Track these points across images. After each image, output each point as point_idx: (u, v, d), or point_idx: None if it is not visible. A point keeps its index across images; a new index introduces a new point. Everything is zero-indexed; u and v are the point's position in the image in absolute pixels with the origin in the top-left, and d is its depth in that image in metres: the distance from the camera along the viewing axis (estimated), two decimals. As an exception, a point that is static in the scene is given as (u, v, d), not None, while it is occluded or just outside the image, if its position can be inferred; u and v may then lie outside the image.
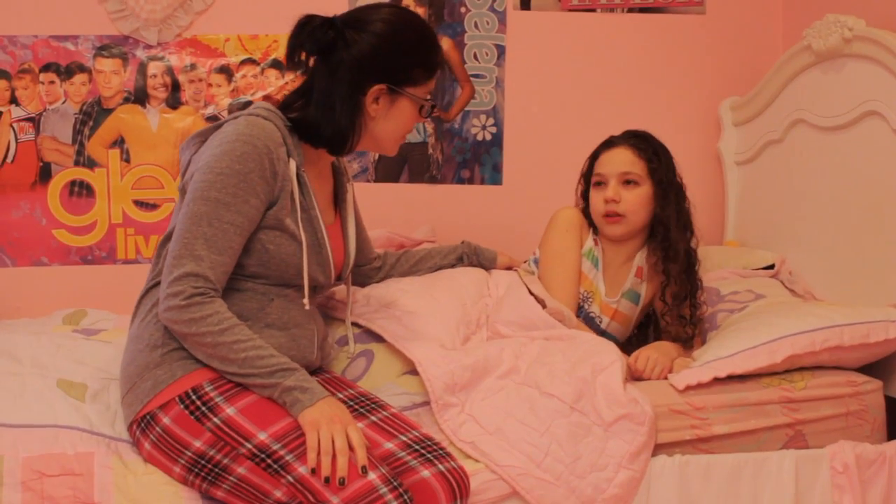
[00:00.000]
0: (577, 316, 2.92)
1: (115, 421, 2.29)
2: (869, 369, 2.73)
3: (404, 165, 3.72)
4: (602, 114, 3.77)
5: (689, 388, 2.54)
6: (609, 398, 2.38)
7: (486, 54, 3.75)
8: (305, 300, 2.30)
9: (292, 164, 2.24)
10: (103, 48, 3.55)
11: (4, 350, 2.55)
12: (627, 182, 2.91)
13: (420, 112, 2.37)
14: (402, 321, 2.56)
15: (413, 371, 2.45)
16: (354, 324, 2.62)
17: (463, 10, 3.73)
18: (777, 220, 3.47)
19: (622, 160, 2.92)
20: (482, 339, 2.68)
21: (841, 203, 3.11)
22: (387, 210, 3.66)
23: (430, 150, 3.74)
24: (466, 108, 3.74)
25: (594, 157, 3.01)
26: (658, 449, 2.43)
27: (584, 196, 3.04)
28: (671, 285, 2.89)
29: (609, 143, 2.98)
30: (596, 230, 3.00)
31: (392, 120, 2.34)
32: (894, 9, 3.14)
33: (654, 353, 2.69)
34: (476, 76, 3.74)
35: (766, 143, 3.53)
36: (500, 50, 3.75)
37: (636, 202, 2.90)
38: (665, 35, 3.86)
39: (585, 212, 3.02)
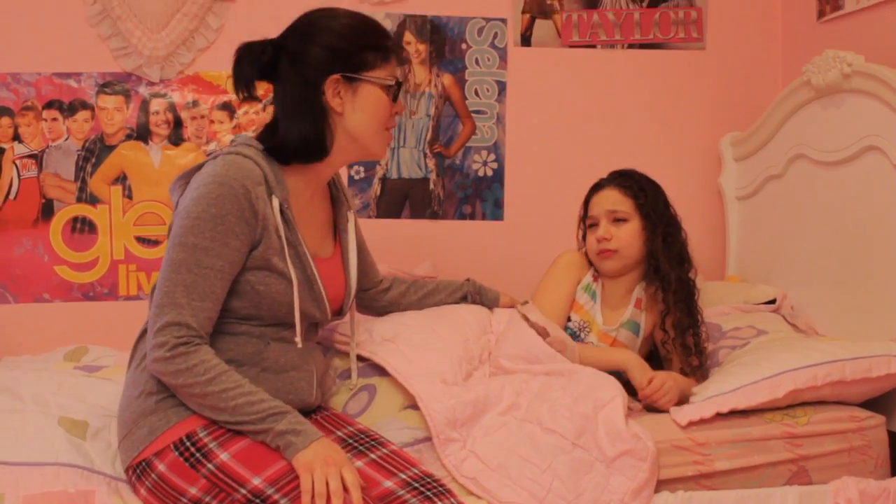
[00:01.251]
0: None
1: (116, 460, 2.28)
2: (872, 405, 2.72)
3: (405, 201, 3.73)
4: (603, 150, 3.78)
5: (691, 423, 2.53)
6: (611, 433, 2.37)
7: (487, 90, 3.76)
8: (298, 339, 2.27)
9: (275, 202, 2.22)
10: (106, 85, 3.57)
11: (6, 387, 2.55)
12: (617, 220, 2.97)
13: (388, 95, 2.33)
14: (405, 355, 2.56)
15: (415, 405, 2.45)
16: (358, 357, 2.61)
17: (464, 46, 3.75)
18: (778, 255, 3.47)
19: (609, 199, 3.00)
20: (484, 374, 2.68)
21: (842, 238, 3.11)
22: (388, 246, 3.66)
23: (432, 186, 3.74)
24: (468, 144, 3.75)
25: (586, 201, 3.09)
26: (660, 485, 2.42)
27: (584, 239, 3.10)
28: (671, 314, 2.91)
29: (598, 186, 3.07)
30: (597, 269, 3.05)
31: (361, 111, 2.30)
32: (893, 44, 3.16)
33: (669, 380, 2.70)
34: (477, 112, 3.76)
35: (767, 177, 3.54)
36: (501, 86, 3.77)
37: (626, 237, 2.96)
38: (665, 71, 3.88)
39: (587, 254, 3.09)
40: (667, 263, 2.92)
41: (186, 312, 2.09)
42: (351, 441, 2.29)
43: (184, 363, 2.07)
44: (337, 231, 2.51)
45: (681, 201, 3.03)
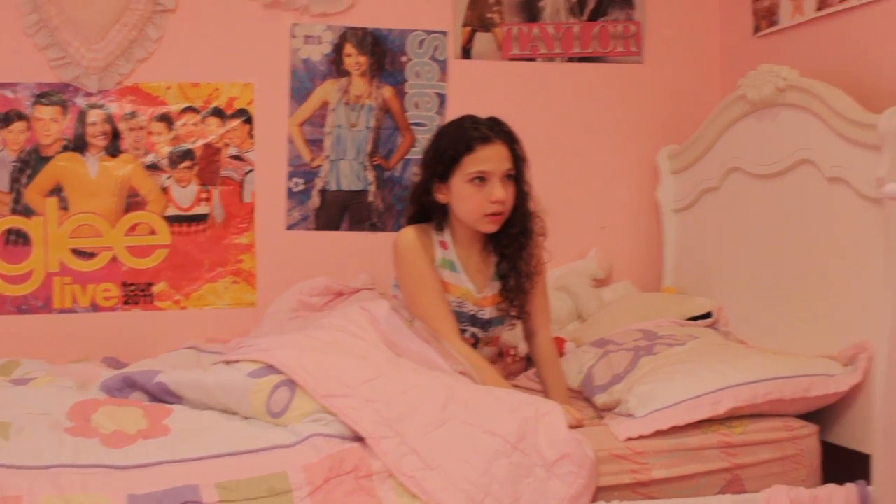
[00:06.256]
0: (461, 321, 2.94)
1: (42, 453, 2.24)
2: (806, 414, 2.75)
3: (345, 213, 3.72)
4: (542, 162, 3.76)
5: (630, 440, 2.55)
6: (552, 438, 2.38)
7: (428, 103, 3.77)
8: None
9: None
10: (42, 96, 3.53)
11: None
12: (506, 178, 2.86)
13: None
14: (320, 364, 2.55)
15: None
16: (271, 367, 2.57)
17: (404, 59, 3.75)
18: (714, 267, 3.51)
19: (504, 157, 2.85)
20: (406, 365, 2.67)
21: (776, 250, 3.15)
22: (327, 258, 3.66)
23: (371, 198, 3.74)
24: (407, 157, 3.75)
25: (468, 148, 2.85)
26: (597, 493, 2.42)
27: (428, 186, 2.93)
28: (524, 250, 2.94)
29: (486, 138, 2.85)
30: (439, 229, 2.97)
31: None
32: (826, 59, 3.21)
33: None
34: (417, 124, 3.76)
35: (703, 190, 3.57)
36: (441, 98, 3.78)
37: (512, 198, 2.88)
38: (604, 84, 3.91)
39: (424, 213, 2.98)
40: (528, 223, 2.92)
41: None
42: None
43: None
44: None
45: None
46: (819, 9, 3.27)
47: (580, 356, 3.10)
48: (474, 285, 2.96)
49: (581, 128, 3.91)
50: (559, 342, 3.22)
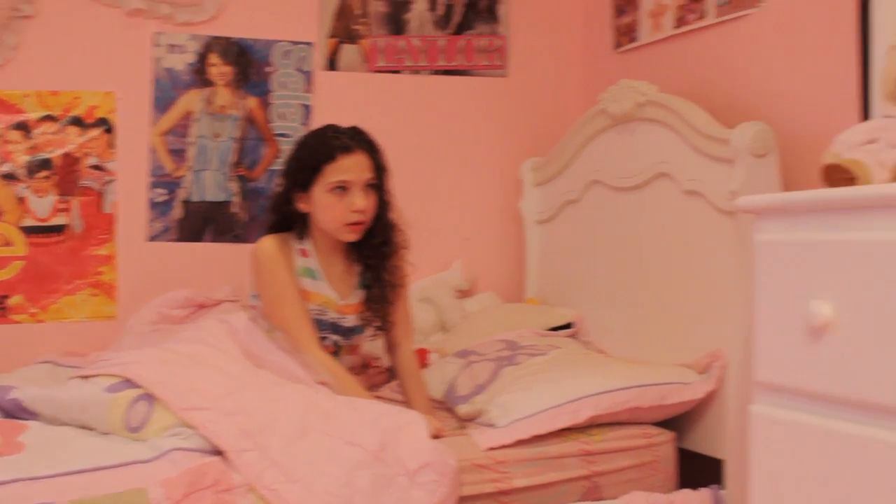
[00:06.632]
0: (322, 329, 2.93)
1: None
2: (663, 421, 2.82)
3: (208, 225, 3.68)
4: (407, 173, 3.79)
5: (491, 449, 2.58)
6: (413, 447, 2.39)
7: (293, 114, 3.75)
8: None
9: None
10: None
11: None
12: (367, 187, 2.88)
13: None
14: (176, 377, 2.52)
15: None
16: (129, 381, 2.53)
17: (269, 69, 3.73)
18: (575, 278, 3.57)
19: (366, 166, 2.88)
20: (267, 378, 2.66)
21: (635, 261, 3.22)
22: (189, 270, 3.60)
23: (235, 210, 3.70)
24: (271, 167, 3.73)
25: (330, 157, 2.85)
26: (459, 503, 2.43)
27: (289, 196, 2.94)
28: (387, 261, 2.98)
29: (347, 147, 2.87)
30: (299, 238, 2.97)
31: None
32: (684, 75, 3.29)
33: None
34: (281, 135, 3.74)
35: (565, 202, 3.63)
36: (307, 109, 3.76)
37: (373, 209, 2.91)
38: (469, 97, 3.95)
39: (284, 222, 2.99)
40: (390, 233, 2.95)
41: None
42: None
43: None
44: None
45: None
46: (677, 26, 3.36)
47: (443, 367, 3.12)
48: (337, 293, 2.96)
49: (446, 140, 3.94)
50: (422, 353, 3.25)
